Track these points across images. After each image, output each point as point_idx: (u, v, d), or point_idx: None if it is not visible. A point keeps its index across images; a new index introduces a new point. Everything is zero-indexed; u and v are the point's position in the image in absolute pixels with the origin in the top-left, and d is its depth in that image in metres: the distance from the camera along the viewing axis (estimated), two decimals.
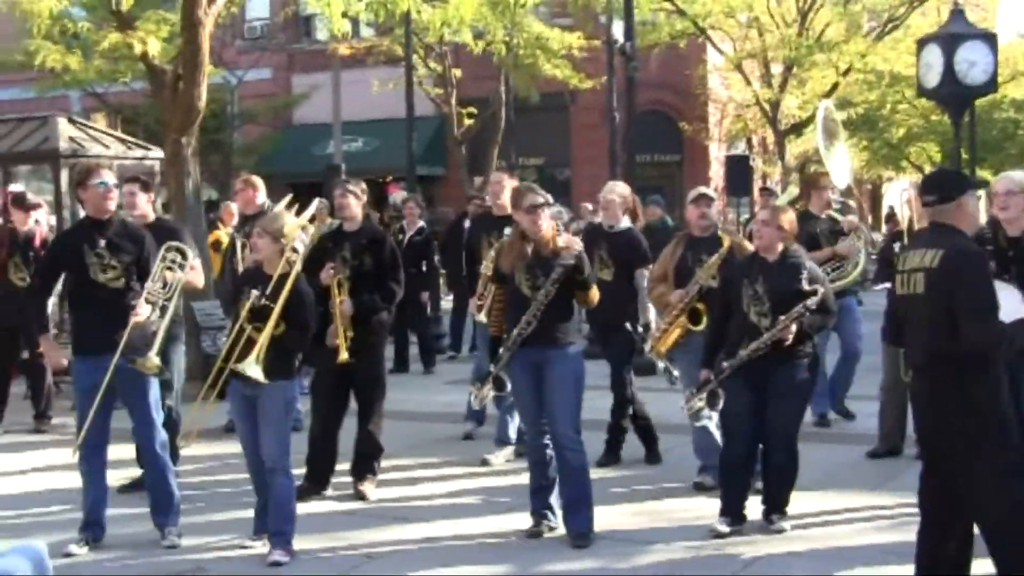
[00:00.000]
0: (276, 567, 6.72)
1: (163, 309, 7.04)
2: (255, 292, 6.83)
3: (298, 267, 7.01)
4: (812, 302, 7.04)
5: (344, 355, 7.93)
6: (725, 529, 7.18)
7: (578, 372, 7.14)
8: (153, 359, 6.86)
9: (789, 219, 7.34)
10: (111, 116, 29.46)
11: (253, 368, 6.67)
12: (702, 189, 8.66)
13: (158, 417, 7.14)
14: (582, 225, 14.79)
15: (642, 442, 9.14)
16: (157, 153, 13.69)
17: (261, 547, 6.96)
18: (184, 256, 7.26)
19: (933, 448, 5.50)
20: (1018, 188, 6.95)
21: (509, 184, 9.10)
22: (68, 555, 6.86)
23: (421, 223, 14.97)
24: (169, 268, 7.16)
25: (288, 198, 7.99)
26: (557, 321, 7.05)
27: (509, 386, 7.26)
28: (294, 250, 7.15)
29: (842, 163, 10.13)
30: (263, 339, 6.71)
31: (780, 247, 7.25)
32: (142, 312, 6.87)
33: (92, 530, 7.09)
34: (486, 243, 9.05)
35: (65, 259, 7.13)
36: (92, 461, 7.08)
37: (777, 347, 7.07)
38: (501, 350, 7.24)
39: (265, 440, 6.88)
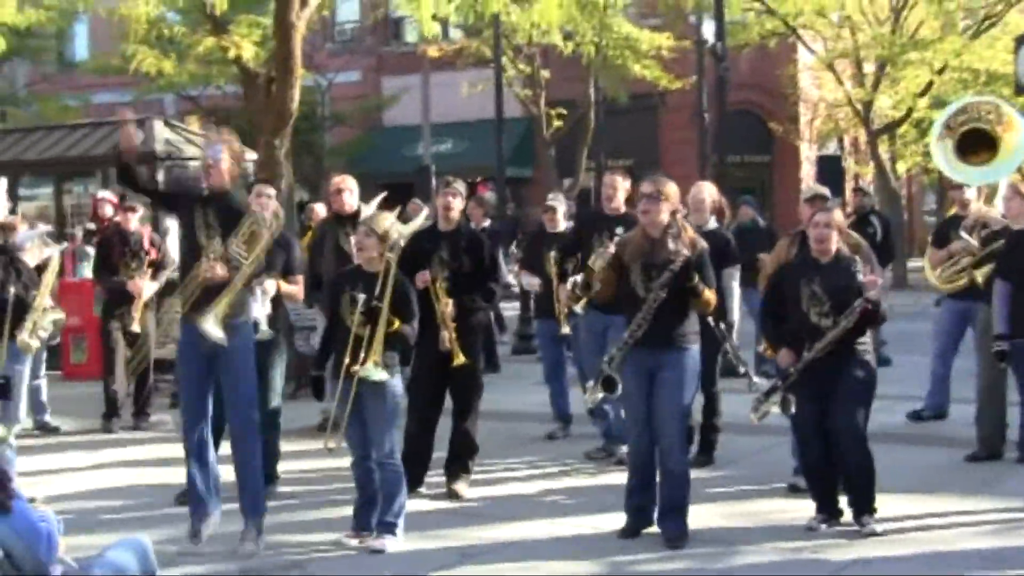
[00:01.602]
0: (377, 554, 6.85)
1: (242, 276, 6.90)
2: (362, 296, 6.93)
3: (394, 265, 7.10)
4: (873, 294, 6.97)
5: (460, 358, 7.99)
6: (821, 526, 7.15)
7: (692, 376, 7.11)
8: (209, 320, 6.72)
9: (840, 220, 7.31)
10: (204, 119, 29.88)
11: (378, 373, 6.87)
12: (816, 187, 8.59)
13: (254, 397, 7.15)
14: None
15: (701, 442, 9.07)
16: (250, 155, 13.86)
17: (359, 544, 7.04)
18: (269, 224, 7.11)
19: None
20: None
21: (623, 185, 9.08)
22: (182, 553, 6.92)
23: (486, 223, 15.00)
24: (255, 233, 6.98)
25: (382, 196, 8.04)
26: (671, 323, 7.00)
27: (620, 388, 7.19)
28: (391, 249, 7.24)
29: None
30: (378, 341, 6.85)
31: (834, 248, 7.18)
32: (218, 269, 6.78)
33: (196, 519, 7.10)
34: (596, 243, 8.94)
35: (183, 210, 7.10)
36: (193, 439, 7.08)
37: (838, 346, 7.01)
38: (614, 350, 7.21)
39: (374, 436, 7.03)
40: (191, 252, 6.95)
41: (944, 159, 9.04)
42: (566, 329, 9.75)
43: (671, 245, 6.96)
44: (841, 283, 7.08)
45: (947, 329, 10.15)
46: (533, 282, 10.18)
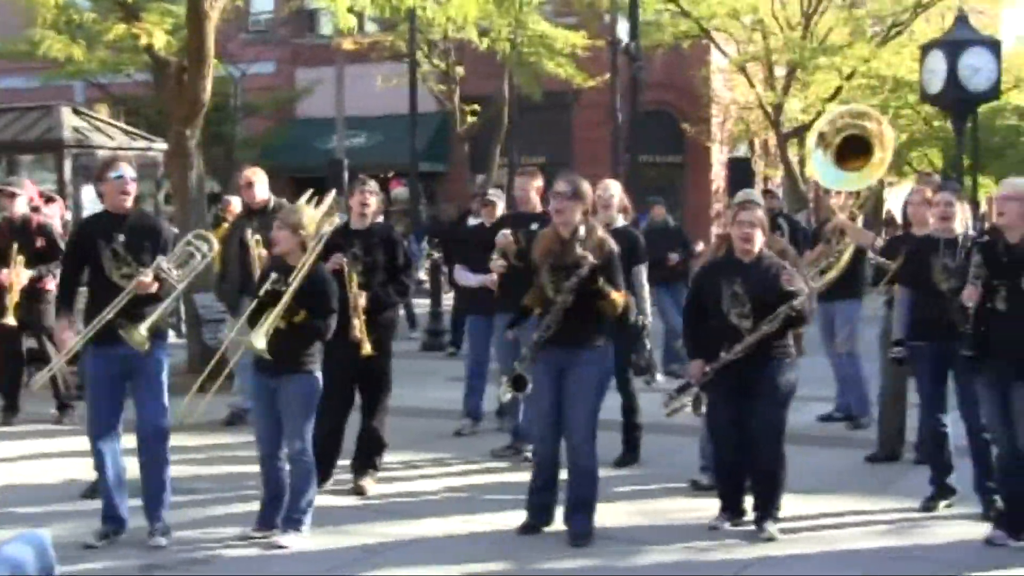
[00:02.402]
0: (282, 551, 6.82)
1: (169, 289, 6.93)
2: (274, 275, 6.93)
3: (313, 255, 7.07)
4: (798, 303, 7.03)
5: (368, 348, 7.97)
6: (724, 525, 7.24)
7: (602, 376, 7.13)
8: (141, 332, 6.70)
9: (764, 220, 7.35)
10: (114, 107, 29.45)
11: (260, 340, 6.74)
12: (748, 192, 8.56)
13: (164, 408, 7.08)
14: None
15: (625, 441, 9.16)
16: (161, 145, 13.71)
17: (263, 539, 7.00)
18: (211, 247, 7.22)
19: None
20: (1015, 194, 6.96)
21: (533, 185, 9.11)
22: (88, 546, 6.86)
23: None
24: (191, 255, 7.10)
25: (309, 192, 8.00)
26: (581, 323, 7.00)
27: (530, 387, 7.18)
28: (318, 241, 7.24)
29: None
30: (273, 315, 6.79)
31: (757, 248, 7.27)
32: (145, 279, 6.75)
33: (111, 523, 7.05)
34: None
35: (82, 250, 7.03)
36: (105, 452, 7.03)
37: (758, 349, 7.08)
38: (524, 349, 7.23)
39: (288, 432, 6.98)
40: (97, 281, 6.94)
41: (820, 166, 9.22)
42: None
43: (579, 249, 6.96)
44: (763, 284, 7.12)
45: (821, 325, 10.36)
46: (471, 278, 10.01)
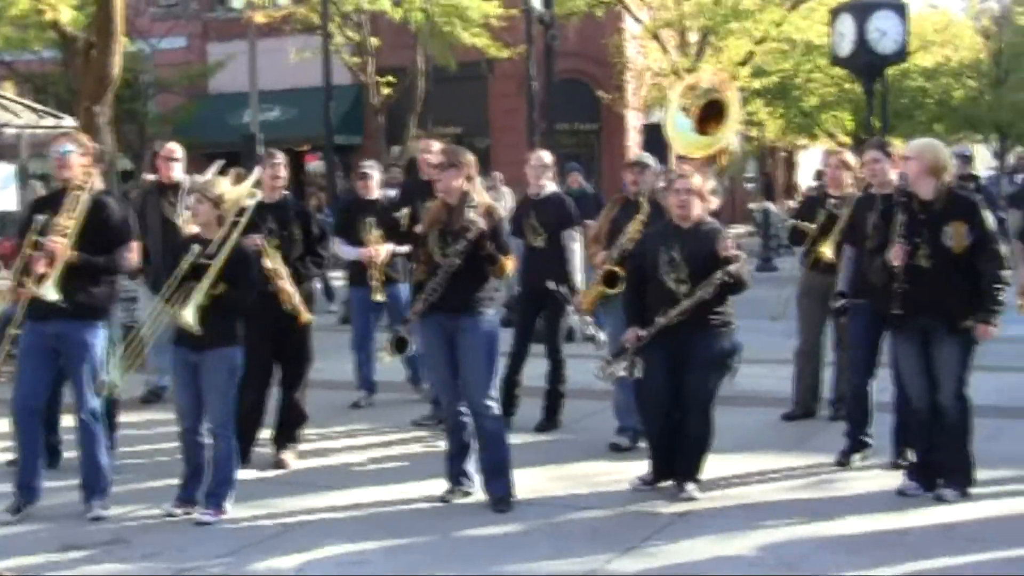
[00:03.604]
0: (203, 526, 6.82)
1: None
2: (196, 247, 6.88)
3: (238, 229, 7.05)
4: (733, 268, 7.13)
5: (306, 316, 7.96)
6: (645, 487, 7.37)
7: (492, 339, 7.16)
8: (44, 290, 6.74)
9: (701, 186, 7.43)
10: (20, 85, 28.93)
11: (189, 314, 6.72)
12: (640, 155, 8.75)
13: (95, 387, 7.05)
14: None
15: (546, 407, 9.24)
16: (70, 122, 13.52)
17: (184, 516, 6.98)
18: None
19: None
20: (912, 153, 7.10)
21: (436, 149, 9.13)
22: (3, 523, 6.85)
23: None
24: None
25: (221, 163, 7.94)
26: (467, 288, 7.06)
27: (412, 348, 7.30)
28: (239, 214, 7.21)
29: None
30: (202, 288, 6.75)
31: (695, 214, 7.34)
32: (59, 242, 6.79)
33: (24, 495, 7.06)
34: (421, 209, 8.96)
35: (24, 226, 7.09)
36: (23, 425, 7.04)
37: (695, 316, 7.17)
38: (410, 312, 7.29)
39: (210, 407, 6.96)
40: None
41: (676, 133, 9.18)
42: (380, 296, 9.76)
43: (468, 214, 7.01)
44: (700, 250, 7.18)
45: None
46: (349, 251, 10.09)
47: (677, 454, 7.40)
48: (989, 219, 6.99)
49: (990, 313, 6.90)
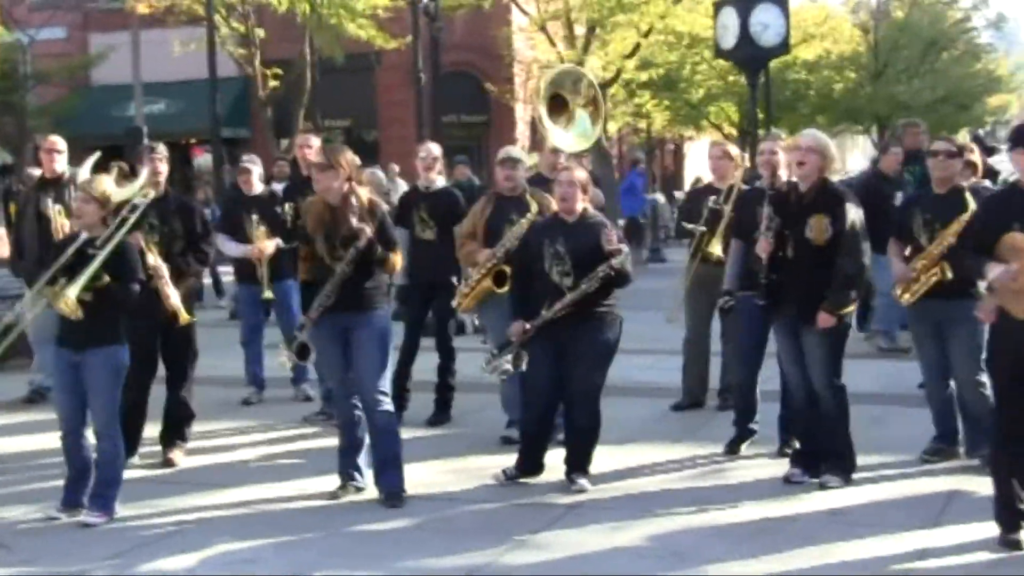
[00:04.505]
0: (89, 529, 6.69)
1: None
2: (84, 235, 6.77)
3: (127, 226, 6.95)
4: (616, 262, 7.18)
5: (185, 315, 7.82)
6: (511, 477, 7.40)
7: (384, 334, 7.17)
8: None
9: (585, 179, 7.48)
10: None
11: (72, 297, 6.57)
12: (509, 150, 8.75)
13: None
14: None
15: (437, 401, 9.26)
16: None
17: (67, 519, 6.84)
18: None
19: None
20: (817, 146, 7.19)
21: (315, 144, 9.07)
22: None
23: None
24: None
25: (94, 158, 7.78)
26: (359, 287, 7.05)
27: (313, 355, 7.28)
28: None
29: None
30: (86, 274, 6.63)
31: (579, 208, 7.38)
32: None
33: None
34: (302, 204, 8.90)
35: None
36: None
37: (580, 308, 7.21)
38: (303, 317, 7.24)
39: (95, 407, 6.84)
40: None
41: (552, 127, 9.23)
42: (268, 293, 9.69)
43: (353, 219, 6.97)
44: (585, 243, 7.23)
45: None
46: (234, 248, 9.95)
47: (566, 446, 7.46)
48: (852, 214, 7.09)
49: (833, 304, 7.02)
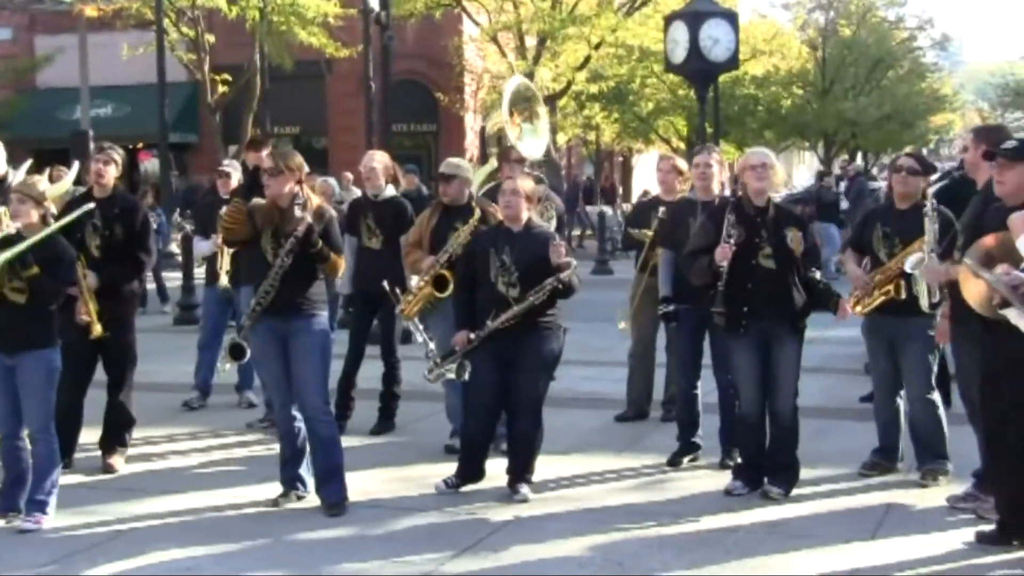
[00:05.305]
0: (27, 535, 6.62)
1: None
2: (14, 227, 6.75)
3: (57, 225, 6.92)
4: (564, 276, 7.20)
5: (98, 329, 7.71)
6: (452, 486, 7.40)
7: (324, 342, 7.15)
8: None
9: (530, 189, 7.51)
10: None
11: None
12: (446, 164, 8.76)
13: None
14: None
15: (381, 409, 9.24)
16: None
17: (7, 525, 6.77)
18: None
19: None
20: (772, 163, 7.35)
21: (260, 156, 9.02)
22: None
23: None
24: None
25: (30, 162, 7.71)
26: (298, 290, 7.04)
27: (248, 355, 7.26)
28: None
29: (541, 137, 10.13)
30: (9, 253, 6.61)
31: (525, 217, 7.40)
32: None
33: None
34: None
35: None
36: None
37: (524, 318, 7.23)
38: (243, 317, 7.21)
39: (28, 411, 6.79)
40: None
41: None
42: (225, 281, 9.65)
43: (297, 214, 6.99)
44: (532, 254, 7.23)
45: None
46: (204, 246, 9.96)
47: (508, 456, 7.47)
48: (812, 229, 7.48)
49: (838, 295, 7.34)
